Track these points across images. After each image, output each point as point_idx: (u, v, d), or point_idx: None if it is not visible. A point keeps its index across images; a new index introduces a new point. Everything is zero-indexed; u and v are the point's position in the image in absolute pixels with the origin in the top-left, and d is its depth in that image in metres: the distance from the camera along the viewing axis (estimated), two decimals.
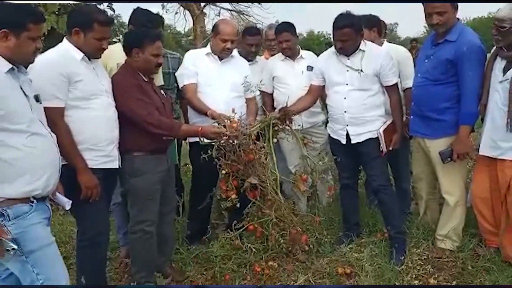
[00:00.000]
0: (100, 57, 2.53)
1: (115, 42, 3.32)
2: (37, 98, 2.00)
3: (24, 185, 1.88)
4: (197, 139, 3.18)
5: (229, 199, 2.88)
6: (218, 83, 3.17)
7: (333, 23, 2.94)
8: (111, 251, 3.27)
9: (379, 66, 2.96)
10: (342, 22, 2.89)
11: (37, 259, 1.89)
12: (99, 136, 2.42)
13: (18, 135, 1.84)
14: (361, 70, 2.96)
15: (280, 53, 3.66)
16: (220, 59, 3.23)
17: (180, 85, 3.23)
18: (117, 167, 2.56)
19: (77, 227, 2.58)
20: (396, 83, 3.07)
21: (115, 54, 2.87)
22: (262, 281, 2.90)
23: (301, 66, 3.59)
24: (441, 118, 2.91)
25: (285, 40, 3.51)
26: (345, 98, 3.01)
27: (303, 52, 3.67)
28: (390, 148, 3.04)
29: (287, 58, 3.61)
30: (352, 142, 3.05)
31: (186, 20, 11.01)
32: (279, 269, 3.00)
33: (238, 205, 2.94)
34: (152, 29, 2.90)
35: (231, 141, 2.76)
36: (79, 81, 2.35)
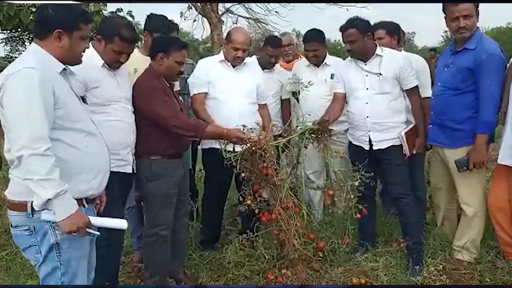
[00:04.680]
0: (117, 68, 2.54)
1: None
2: (83, 100, 2.05)
3: (81, 183, 1.89)
4: (211, 145, 3.21)
5: (245, 203, 2.84)
6: (231, 90, 3.18)
7: (339, 28, 3.00)
8: (125, 256, 3.28)
9: (398, 70, 2.95)
10: (346, 24, 2.98)
11: (68, 268, 1.88)
12: (113, 140, 2.43)
13: (76, 134, 1.88)
14: (380, 74, 2.95)
15: (305, 58, 3.67)
16: (233, 66, 3.25)
17: (191, 94, 3.25)
18: (131, 171, 2.58)
19: None
20: (417, 86, 3.03)
21: (132, 59, 2.84)
22: None
23: (325, 74, 3.57)
24: (460, 127, 2.85)
25: (313, 50, 3.52)
26: (366, 103, 3.00)
27: (328, 59, 3.64)
28: (414, 152, 2.99)
29: (312, 64, 3.61)
30: (374, 148, 3.02)
31: (204, 27, 11.11)
32: (293, 277, 2.95)
33: (256, 211, 2.88)
34: (166, 33, 2.95)
35: (253, 149, 2.73)
36: (96, 88, 2.39)
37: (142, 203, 2.87)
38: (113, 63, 2.49)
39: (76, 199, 1.84)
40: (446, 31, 25.80)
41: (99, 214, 2.09)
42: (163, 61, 2.65)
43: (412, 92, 3.03)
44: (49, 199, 1.72)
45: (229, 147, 2.85)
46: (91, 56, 2.42)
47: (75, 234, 1.81)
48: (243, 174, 2.83)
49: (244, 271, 3.00)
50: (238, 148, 2.82)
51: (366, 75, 3.00)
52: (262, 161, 2.72)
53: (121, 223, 1.99)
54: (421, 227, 3.19)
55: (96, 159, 1.97)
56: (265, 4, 10.75)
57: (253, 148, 2.71)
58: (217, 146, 3.17)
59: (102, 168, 2.01)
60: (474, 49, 2.75)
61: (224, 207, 3.59)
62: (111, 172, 2.39)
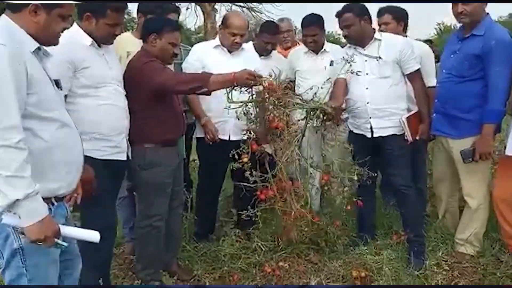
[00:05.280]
0: (112, 43, 2.44)
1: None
2: (57, 84, 1.80)
3: (51, 182, 1.67)
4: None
5: (240, 161, 2.63)
6: None
7: (335, 14, 2.91)
8: (116, 247, 3.16)
9: (398, 53, 2.84)
10: (342, 9, 2.88)
11: (36, 274, 1.67)
12: (107, 125, 2.32)
13: (49, 124, 1.64)
14: (380, 57, 2.84)
15: (303, 45, 3.53)
16: (230, 51, 3.11)
17: None
18: (125, 159, 2.46)
19: (81, 222, 2.46)
20: (419, 70, 2.91)
21: (125, 42, 2.80)
22: (272, 282, 2.77)
23: (324, 61, 3.44)
24: (466, 117, 2.76)
25: (312, 35, 3.37)
26: (367, 88, 2.88)
27: (327, 45, 3.50)
28: (417, 138, 2.87)
29: (310, 51, 3.48)
30: (375, 135, 2.90)
31: (197, 15, 10.95)
32: (290, 270, 2.86)
33: (249, 173, 2.63)
34: (162, 15, 2.82)
35: (266, 95, 2.48)
36: (86, 68, 2.26)
37: (134, 192, 2.76)
38: (109, 37, 2.36)
39: (44, 198, 1.62)
40: (439, 24, 25.77)
41: (83, 207, 1.94)
42: (156, 43, 2.52)
43: (414, 76, 2.91)
44: (18, 200, 1.49)
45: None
46: (76, 36, 2.28)
47: (40, 244, 1.58)
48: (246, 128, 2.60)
49: (240, 264, 2.90)
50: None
51: (366, 60, 2.89)
52: (273, 112, 2.50)
53: (93, 236, 1.73)
54: (422, 220, 3.11)
55: (69, 153, 1.73)
56: None
57: (267, 93, 2.47)
58: None
59: (75, 164, 1.78)
60: (482, 35, 2.65)
61: (218, 198, 3.48)
62: (103, 160, 2.29)
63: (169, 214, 2.70)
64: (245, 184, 2.69)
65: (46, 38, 1.70)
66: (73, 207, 2.28)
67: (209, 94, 2.52)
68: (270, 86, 2.45)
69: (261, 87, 2.48)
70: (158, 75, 2.43)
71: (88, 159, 2.04)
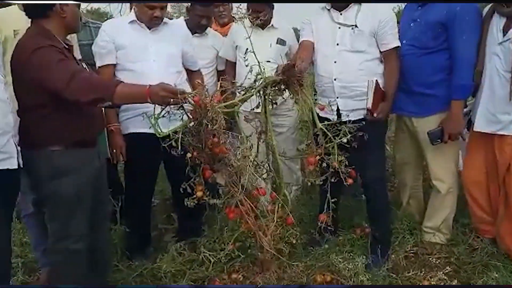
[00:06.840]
0: None
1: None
2: None
3: None
4: (129, 130, 2.54)
5: (194, 197, 2.11)
6: (148, 57, 2.51)
7: None
8: (28, 275, 2.58)
9: (377, 23, 2.41)
10: None
11: None
12: None
13: None
14: (356, 26, 2.42)
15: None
16: (149, 27, 2.57)
17: (96, 66, 2.55)
18: (16, 167, 1.89)
19: None
20: (397, 48, 2.49)
21: (11, 18, 2.34)
22: None
23: (270, 37, 2.99)
24: (431, 92, 2.47)
25: (256, 10, 2.84)
26: (335, 62, 2.46)
27: (275, 22, 3.05)
28: (375, 115, 2.44)
29: (256, 26, 3.02)
30: (343, 119, 2.44)
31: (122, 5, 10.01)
32: (245, 282, 2.46)
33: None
34: None
35: (197, 117, 1.97)
36: None
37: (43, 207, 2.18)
38: None
39: None
40: None
41: None
42: (65, 11, 1.96)
43: (390, 55, 2.48)
44: None
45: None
46: None
47: None
48: (189, 155, 2.06)
49: (186, 281, 2.44)
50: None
51: (339, 28, 2.46)
52: (211, 135, 1.98)
53: None
54: (389, 214, 2.78)
55: None
56: None
57: (198, 115, 1.95)
58: (139, 130, 2.50)
59: None
60: None
61: (152, 202, 2.96)
62: None
63: (93, 230, 2.17)
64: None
65: None
66: None
67: (118, 107, 2.00)
68: (199, 103, 1.91)
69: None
70: (49, 73, 1.85)
71: None
